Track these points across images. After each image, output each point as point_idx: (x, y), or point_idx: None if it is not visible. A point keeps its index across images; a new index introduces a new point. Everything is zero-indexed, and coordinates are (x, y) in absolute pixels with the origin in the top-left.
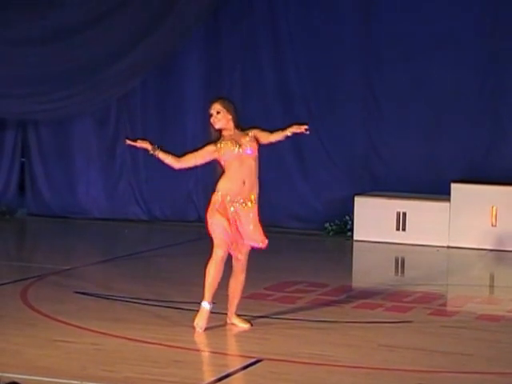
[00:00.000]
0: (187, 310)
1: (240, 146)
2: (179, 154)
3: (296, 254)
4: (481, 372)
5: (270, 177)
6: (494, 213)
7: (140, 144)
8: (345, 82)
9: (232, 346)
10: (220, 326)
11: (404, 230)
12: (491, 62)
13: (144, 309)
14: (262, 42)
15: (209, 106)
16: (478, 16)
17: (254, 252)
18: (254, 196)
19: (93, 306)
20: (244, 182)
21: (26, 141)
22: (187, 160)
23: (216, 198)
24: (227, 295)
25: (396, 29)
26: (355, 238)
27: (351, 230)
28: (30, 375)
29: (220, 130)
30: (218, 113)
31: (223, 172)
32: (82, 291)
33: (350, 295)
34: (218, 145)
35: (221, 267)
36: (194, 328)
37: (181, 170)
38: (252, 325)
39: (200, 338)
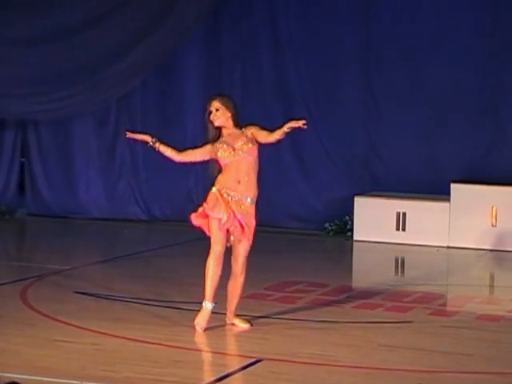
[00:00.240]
0: (187, 310)
1: (234, 150)
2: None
3: (296, 254)
4: (481, 372)
5: (270, 177)
6: (494, 213)
7: (140, 137)
8: (345, 81)
9: (232, 346)
10: (220, 326)
11: (404, 230)
12: (491, 62)
13: (144, 309)
14: (261, 41)
15: (207, 104)
16: (478, 16)
17: (254, 252)
18: (250, 198)
19: (93, 306)
20: (239, 182)
21: (25, 141)
22: (187, 154)
23: (214, 189)
24: (227, 295)
25: (396, 29)
26: (355, 238)
27: (351, 230)
28: (30, 375)
29: (219, 128)
30: (217, 110)
31: (220, 170)
32: (81, 291)
33: (350, 295)
34: (215, 146)
35: (219, 263)
36: (194, 328)
37: (181, 164)
38: (252, 325)
39: (200, 338)
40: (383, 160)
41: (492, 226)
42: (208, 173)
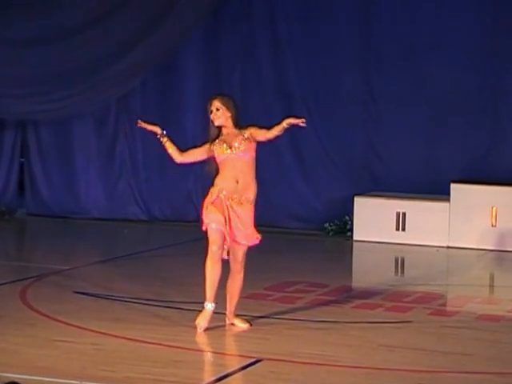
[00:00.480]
0: (187, 309)
1: (231, 147)
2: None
3: (296, 254)
4: (481, 372)
5: (270, 177)
6: (494, 213)
7: (150, 127)
8: (344, 81)
9: (232, 346)
10: (220, 326)
11: (404, 230)
12: (491, 62)
13: (144, 309)
14: (261, 42)
15: (208, 103)
16: (478, 16)
17: (253, 252)
18: (250, 196)
19: (92, 305)
20: (237, 181)
21: (25, 141)
22: (188, 155)
23: (213, 190)
24: (226, 295)
25: (396, 29)
26: (355, 238)
27: (351, 230)
28: (30, 375)
29: (219, 127)
30: (217, 110)
31: (218, 170)
32: (81, 291)
33: (349, 295)
34: (213, 144)
35: (216, 262)
36: (194, 327)
37: (180, 164)
38: (252, 325)
39: (200, 337)
40: (383, 160)
41: (492, 225)
42: (204, 171)
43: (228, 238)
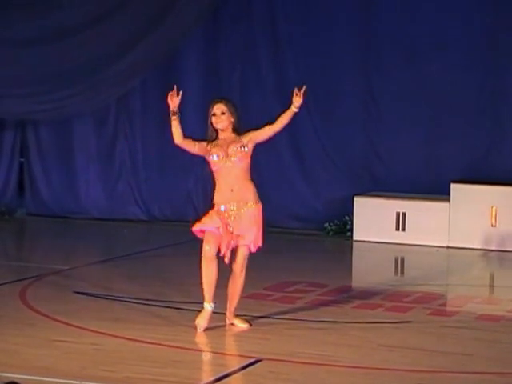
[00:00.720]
0: (186, 309)
1: (226, 155)
2: (179, 154)
3: (296, 254)
4: (481, 372)
5: (270, 177)
6: (494, 213)
7: (174, 102)
8: (344, 81)
9: (231, 346)
10: (219, 326)
11: (404, 230)
12: (491, 62)
13: (143, 309)
14: (261, 41)
15: (211, 105)
16: (478, 16)
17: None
18: (249, 196)
19: (92, 305)
20: (232, 190)
21: (24, 140)
22: (188, 143)
23: (214, 209)
24: (227, 295)
25: (396, 29)
26: (355, 238)
27: (351, 230)
28: (29, 375)
29: (217, 131)
30: (222, 113)
31: (214, 182)
32: (81, 291)
33: (349, 295)
34: (210, 146)
35: (213, 261)
36: (194, 327)
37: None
38: (251, 325)
39: (199, 338)
40: (383, 160)
41: (492, 226)
42: (204, 173)
43: (226, 240)
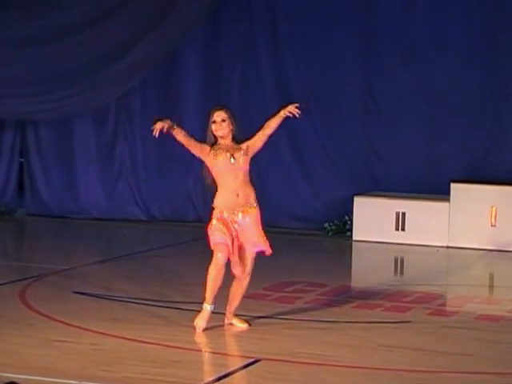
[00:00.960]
0: (186, 310)
1: (234, 157)
2: (179, 154)
3: (295, 254)
4: (481, 372)
5: (270, 177)
6: (494, 213)
7: (166, 127)
8: (345, 82)
9: (231, 346)
10: (219, 326)
11: (403, 230)
12: (491, 62)
13: (143, 309)
14: (261, 41)
15: (211, 113)
16: (478, 16)
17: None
18: (252, 201)
19: (92, 306)
20: (238, 195)
21: (24, 140)
22: (191, 142)
23: (215, 213)
24: (226, 295)
25: (396, 29)
26: (354, 238)
27: (350, 230)
28: (29, 375)
29: (216, 138)
30: (223, 120)
31: (215, 187)
32: (80, 291)
33: (349, 295)
34: (214, 150)
35: (221, 271)
36: (193, 328)
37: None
38: (250, 325)
39: (199, 338)
40: (383, 160)
41: (492, 225)
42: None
43: (234, 255)
